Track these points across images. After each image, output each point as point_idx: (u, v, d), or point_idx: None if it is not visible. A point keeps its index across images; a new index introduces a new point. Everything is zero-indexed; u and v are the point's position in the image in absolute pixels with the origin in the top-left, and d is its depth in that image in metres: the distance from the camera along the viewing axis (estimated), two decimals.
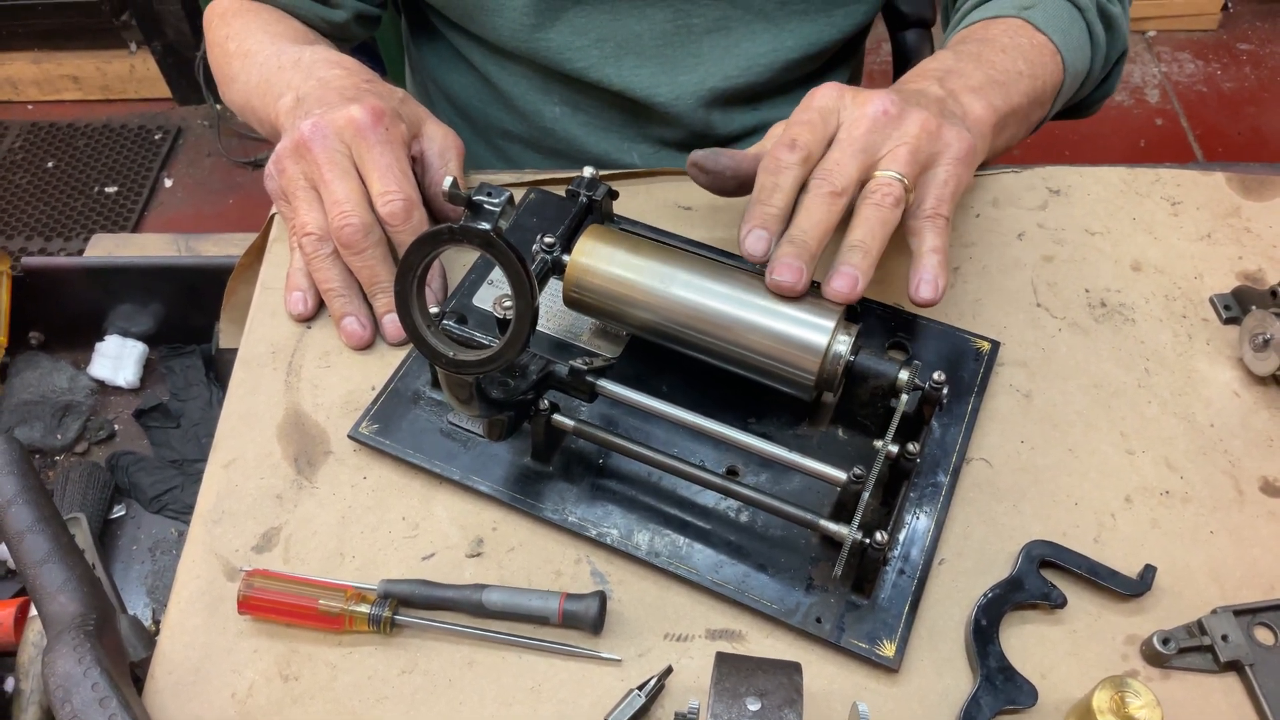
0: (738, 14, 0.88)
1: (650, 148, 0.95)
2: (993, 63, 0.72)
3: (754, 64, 0.91)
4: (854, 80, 1.06)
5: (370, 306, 0.72)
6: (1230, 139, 2.40)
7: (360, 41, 0.99)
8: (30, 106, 2.49)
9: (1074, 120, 0.90)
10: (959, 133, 0.64)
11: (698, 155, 0.67)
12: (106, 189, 2.24)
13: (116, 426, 1.20)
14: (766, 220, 0.61)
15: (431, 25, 0.99)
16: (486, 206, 0.50)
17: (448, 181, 0.50)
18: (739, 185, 0.67)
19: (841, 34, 0.92)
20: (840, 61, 1.00)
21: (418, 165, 0.75)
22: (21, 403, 1.17)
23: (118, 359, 1.22)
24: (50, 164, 2.29)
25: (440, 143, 0.76)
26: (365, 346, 0.72)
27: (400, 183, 0.69)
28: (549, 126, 0.95)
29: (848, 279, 0.60)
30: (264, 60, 0.81)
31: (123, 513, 1.11)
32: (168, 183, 2.30)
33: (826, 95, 0.65)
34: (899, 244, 0.75)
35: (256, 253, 0.79)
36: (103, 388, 1.21)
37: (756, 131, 0.96)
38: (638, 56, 0.89)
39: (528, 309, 0.49)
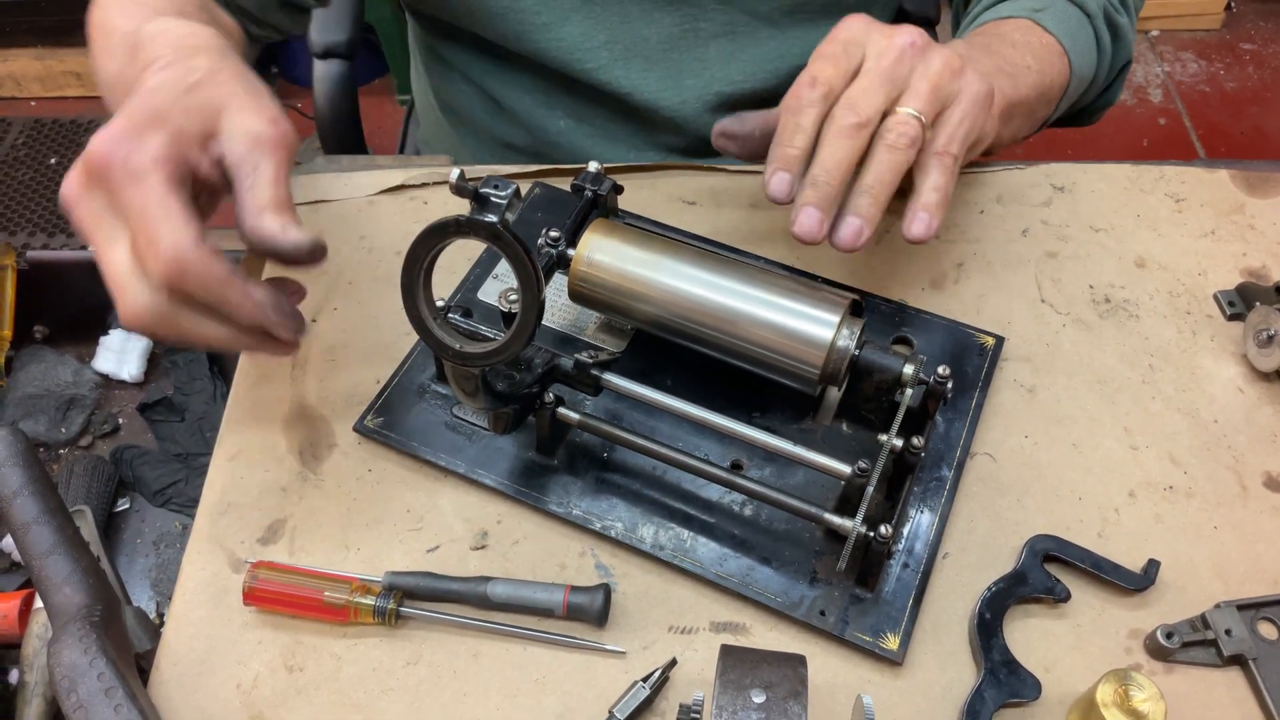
0: (744, 20, 0.88)
1: (656, 155, 0.95)
2: (1002, 55, 0.73)
3: (759, 70, 0.91)
4: None
5: None
6: (1233, 138, 2.40)
7: (276, 40, 0.87)
8: (33, 103, 2.50)
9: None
10: (980, 76, 0.64)
11: (723, 124, 0.66)
12: None
13: (121, 420, 1.20)
14: (789, 162, 0.61)
15: (433, 38, 0.98)
16: (493, 199, 0.50)
17: (454, 173, 0.50)
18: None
19: None
20: None
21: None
22: (26, 396, 1.17)
23: (122, 353, 1.22)
24: (53, 160, 2.29)
25: (244, 142, 0.53)
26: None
27: (159, 232, 0.50)
28: (554, 139, 0.95)
29: (853, 229, 0.60)
30: (119, 46, 0.63)
31: (127, 506, 1.11)
32: None
33: (853, 27, 0.63)
34: (903, 249, 0.75)
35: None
36: (107, 381, 1.20)
37: None
38: (645, 60, 0.89)
39: (534, 301, 0.49)
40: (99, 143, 0.51)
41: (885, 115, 0.61)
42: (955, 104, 0.63)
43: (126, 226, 0.52)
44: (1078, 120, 0.88)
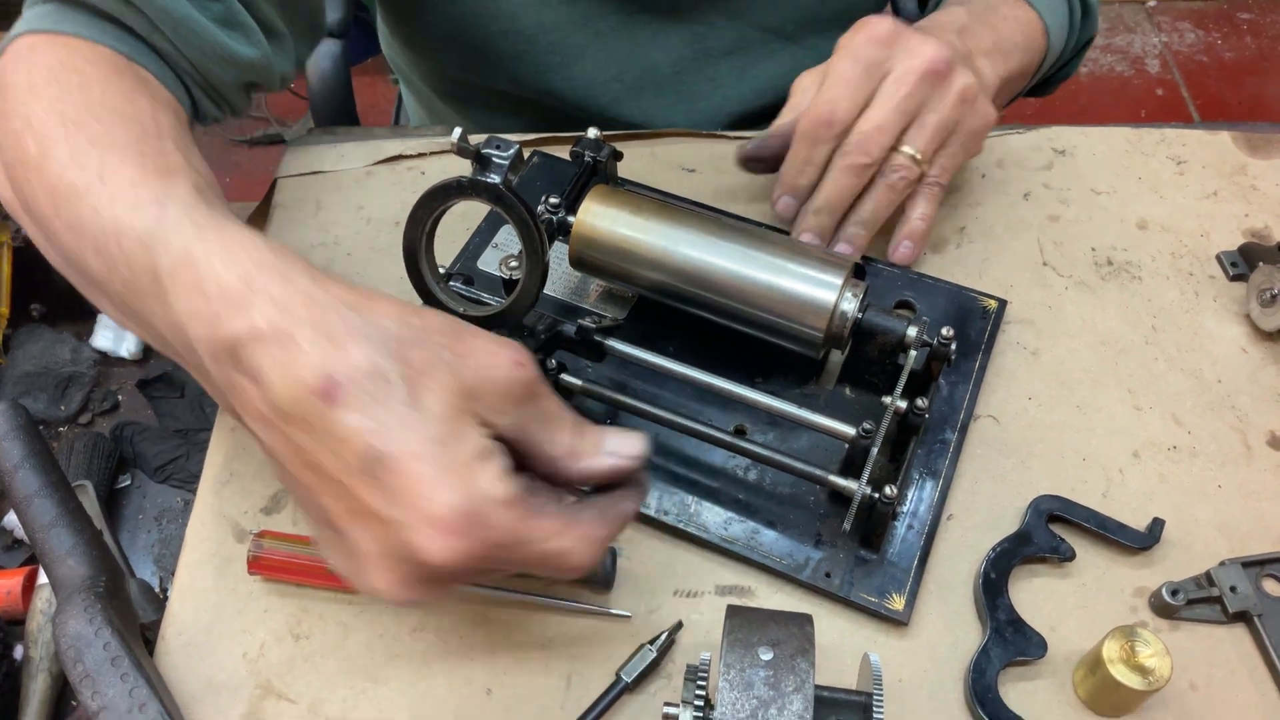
0: (756, 34, 0.87)
1: None
2: (998, 29, 0.73)
3: (771, 87, 0.89)
4: None
5: None
6: (1231, 108, 2.39)
7: (214, 122, 0.68)
8: None
9: (1061, 92, 0.91)
10: (986, 108, 0.66)
11: (747, 151, 0.70)
12: None
13: (120, 397, 1.20)
14: (797, 191, 0.67)
15: (434, 94, 0.96)
16: (496, 160, 0.50)
17: (456, 133, 0.50)
18: None
19: None
20: None
21: None
22: (24, 374, 1.17)
23: (120, 329, 1.21)
24: None
25: (516, 408, 0.43)
26: None
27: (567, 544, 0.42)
28: None
29: (845, 250, 0.68)
30: (99, 233, 0.47)
31: (128, 483, 1.11)
32: None
33: (876, 33, 0.64)
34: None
35: (259, 220, 0.78)
36: (105, 358, 1.21)
37: None
38: (656, 87, 0.88)
39: (537, 263, 0.49)
40: (430, 538, 0.38)
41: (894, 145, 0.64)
42: (955, 136, 0.66)
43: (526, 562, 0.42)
44: (1036, 92, 0.88)
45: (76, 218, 0.47)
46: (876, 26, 0.64)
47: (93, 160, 0.48)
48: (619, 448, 0.45)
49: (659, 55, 0.86)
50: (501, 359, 0.41)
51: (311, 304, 0.39)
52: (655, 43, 0.86)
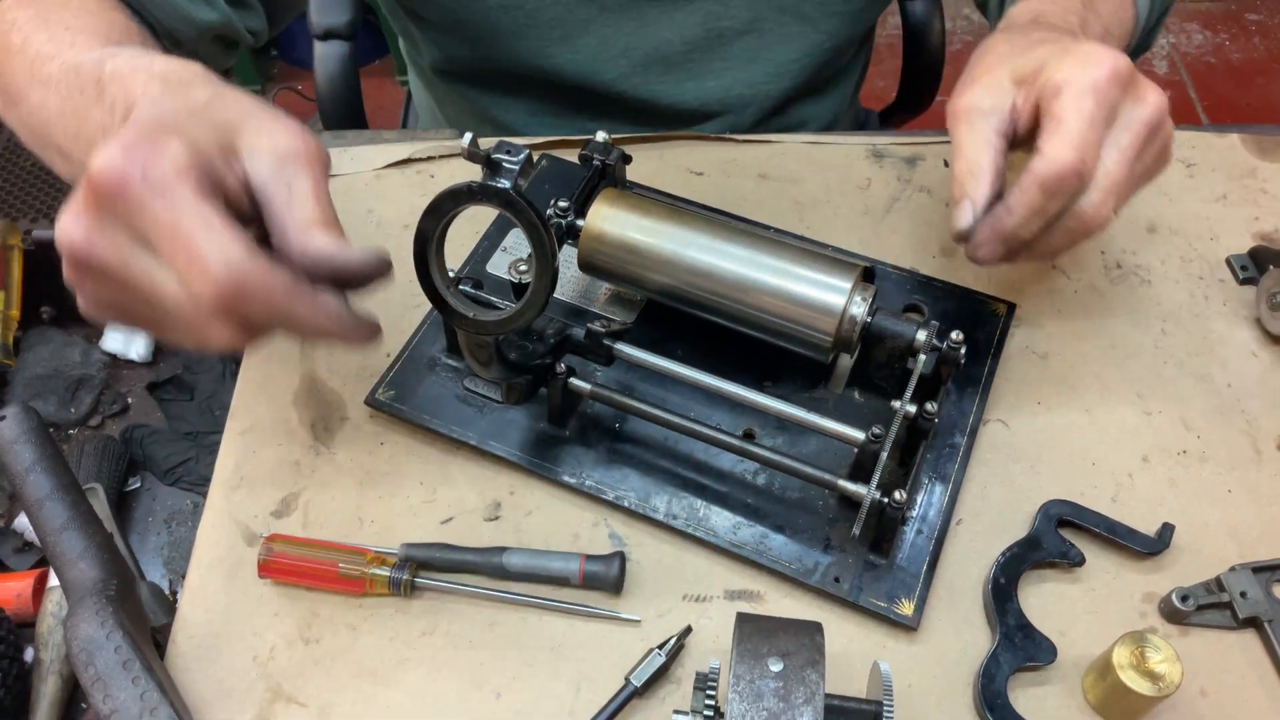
0: (772, 14, 0.85)
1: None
2: (1100, 15, 0.68)
3: (783, 70, 0.88)
4: (864, 61, 1.04)
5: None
6: (1239, 110, 2.38)
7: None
8: None
9: None
10: (1164, 153, 0.60)
11: (982, 248, 0.60)
12: None
13: (130, 400, 1.20)
14: (1008, 240, 0.59)
15: (435, 72, 0.96)
16: (506, 164, 0.50)
17: (466, 138, 0.49)
18: None
19: (868, 24, 0.90)
20: (864, 54, 0.98)
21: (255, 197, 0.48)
22: (35, 377, 1.18)
23: (129, 332, 1.22)
24: None
25: (272, 159, 0.47)
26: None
27: (203, 249, 0.42)
28: None
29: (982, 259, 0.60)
30: (62, 75, 0.55)
31: (138, 485, 1.11)
32: None
33: (1117, 84, 0.56)
34: (913, 218, 0.75)
35: None
36: (115, 361, 1.21)
37: (781, 131, 0.95)
38: (664, 65, 0.86)
39: (547, 268, 0.49)
40: (103, 161, 0.42)
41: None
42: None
43: (160, 251, 0.43)
44: None
45: (45, 74, 0.56)
46: (1117, 62, 0.56)
47: (66, 38, 0.57)
48: (341, 247, 0.46)
49: (669, 33, 0.85)
50: (287, 125, 0.47)
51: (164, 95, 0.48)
52: (666, 19, 0.84)
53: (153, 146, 0.43)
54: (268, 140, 0.46)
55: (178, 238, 0.42)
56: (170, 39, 0.68)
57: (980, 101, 0.59)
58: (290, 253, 0.45)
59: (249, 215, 0.46)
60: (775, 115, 0.93)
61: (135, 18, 0.65)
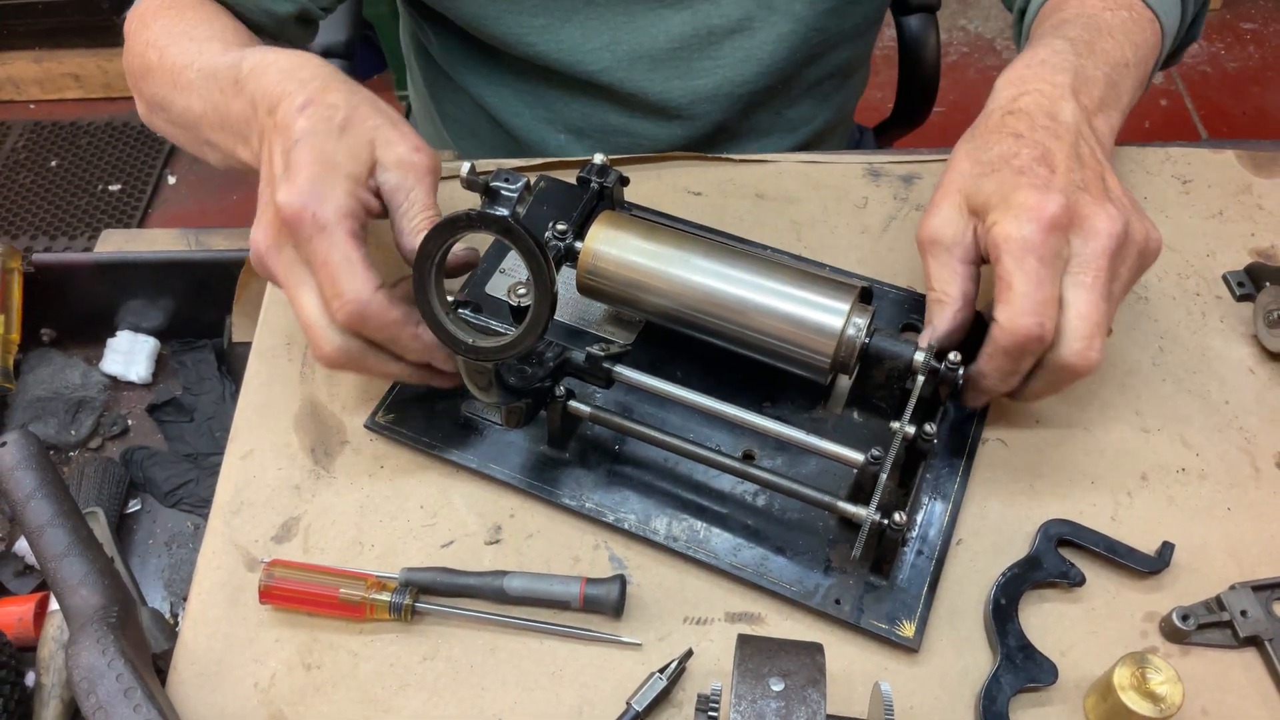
0: (762, 12, 0.85)
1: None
2: (1106, 54, 0.66)
3: (771, 68, 0.88)
4: (863, 72, 1.04)
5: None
6: (1235, 119, 2.39)
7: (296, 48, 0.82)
8: (32, 106, 2.49)
9: None
10: (1157, 243, 0.60)
11: (968, 400, 0.63)
12: (110, 187, 2.24)
13: (130, 422, 1.20)
14: (985, 393, 0.62)
15: (430, 54, 0.97)
16: (504, 192, 0.50)
17: (465, 167, 0.50)
18: None
19: (865, 18, 0.91)
20: (858, 60, 0.98)
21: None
22: (35, 399, 1.18)
23: (129, 354, 1.22)
24: (54, 163, 2.29)
25: (398, 171, 0.60)
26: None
27: (342, 283, 0.56)
28: (553, 154, 0.93)
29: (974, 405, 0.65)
30: (201, 80, 0.68)
31: (138, 507, 1.11)
32: (171, 180, 2.29)
33: (1054, 231, 0.56)
34: (910, 236, 0.75)
35: None
36: (115, 383, 1.21)
37: (773, 132, 0.95)
38: (651, 61, 0.87)
39: (546, 295, 0.49)
40: (288, 198, 0.56)
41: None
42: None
43: (313, 275, 0.57)
44: (1161, 67, 0.78)
45: (186, 81, 0.68)
46: (1046, 208, 0.56)
47: (193, 49, 0.69)
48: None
49: (657, 31, 0.85)
50: (405, 137, 0.60)
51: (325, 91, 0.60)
52: (654, 17, 0.85)
53: (321, 193, 0.56)
54: (393, 154, 0.59)
55: (328, 268, 0.56)
56: (255, 28, 0.79)
57: (942, 234, 0.60)
58: (403, 250, 0.59)
59: (380, 213, 0.61)
60: (765, 111, 0.94)
61: (232, 15, 0.77)
